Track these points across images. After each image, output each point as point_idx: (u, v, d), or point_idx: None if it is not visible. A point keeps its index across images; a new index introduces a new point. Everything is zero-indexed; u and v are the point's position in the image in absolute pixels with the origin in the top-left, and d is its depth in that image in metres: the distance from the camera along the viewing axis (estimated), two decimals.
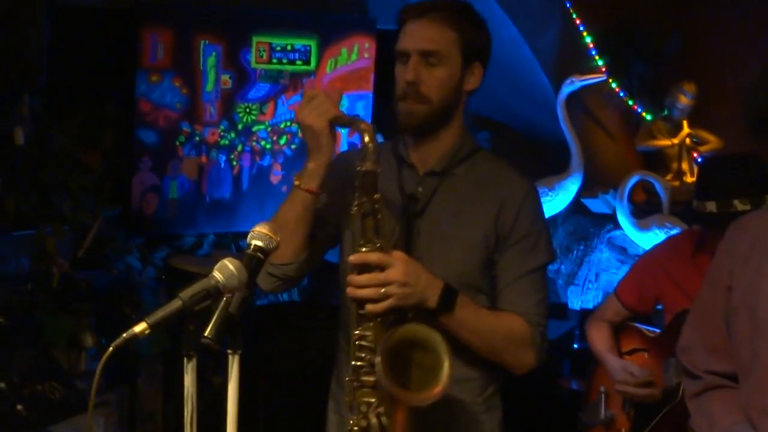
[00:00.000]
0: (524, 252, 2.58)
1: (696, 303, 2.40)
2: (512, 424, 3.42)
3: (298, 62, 5.94)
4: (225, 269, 1.95)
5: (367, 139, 2.33)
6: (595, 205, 5.97)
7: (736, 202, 3.06)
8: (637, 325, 3.55)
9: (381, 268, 2.36)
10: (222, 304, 1.93)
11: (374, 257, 2.36)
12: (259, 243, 2.08)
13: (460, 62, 2.52)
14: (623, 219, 5.71)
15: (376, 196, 2.35)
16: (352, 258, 2.37)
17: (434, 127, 2.55)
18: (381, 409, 2.28)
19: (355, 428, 2.31)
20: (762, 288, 2.15)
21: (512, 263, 2.58)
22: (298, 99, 6.19)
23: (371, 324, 2.35)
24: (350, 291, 2.36)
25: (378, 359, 2.23)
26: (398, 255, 2.40)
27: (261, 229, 2.09)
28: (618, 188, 5.69)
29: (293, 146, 6.21)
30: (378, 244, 2.36)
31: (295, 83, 5.92)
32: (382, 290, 2.36)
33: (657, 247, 3.59)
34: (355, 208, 2.36)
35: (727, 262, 2.26)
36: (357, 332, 2.35)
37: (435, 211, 2.56)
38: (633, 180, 5.70)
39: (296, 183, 2.49)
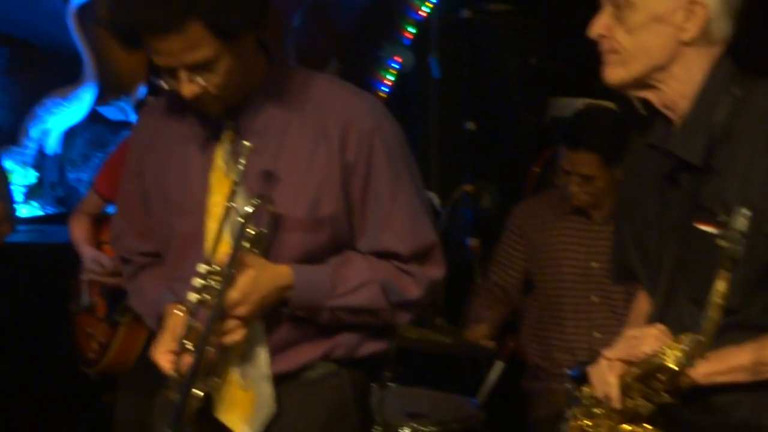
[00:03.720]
0: None
1: (120, 191, 2.56)
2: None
3: None
4: None
5: None
6: (111, 112, 6.10)
7: None
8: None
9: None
10: None
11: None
12: None
13: None
14: None
15: None
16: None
17: None
18: None
19: None
20: (169, 170, 2.34)
21: None
22: None
23: None
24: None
25: None
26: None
27: None
28: (130, 94, 5.86)
29: None
30: None
31: None
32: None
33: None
34: None
35: (136, 148, 2.43)
36: None
37: None
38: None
39: None
